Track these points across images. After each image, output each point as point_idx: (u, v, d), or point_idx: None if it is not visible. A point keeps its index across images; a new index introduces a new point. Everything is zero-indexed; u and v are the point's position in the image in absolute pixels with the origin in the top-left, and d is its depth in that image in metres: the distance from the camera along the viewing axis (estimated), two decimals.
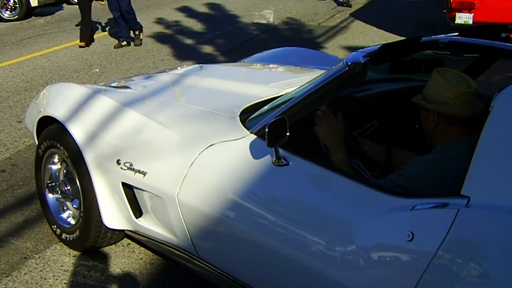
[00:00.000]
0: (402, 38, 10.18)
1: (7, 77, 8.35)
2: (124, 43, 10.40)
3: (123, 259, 3.97)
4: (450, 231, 2.25)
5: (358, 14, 13.60)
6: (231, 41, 10.91)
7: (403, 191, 2.64)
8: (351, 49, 9.37)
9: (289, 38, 11.00)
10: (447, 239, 2.25)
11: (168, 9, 14.53)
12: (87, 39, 10.29)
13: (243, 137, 3.14)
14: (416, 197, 2.52)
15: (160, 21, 12.88)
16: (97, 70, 8.84)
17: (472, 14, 9.25)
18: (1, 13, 12.85)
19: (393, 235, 2.45)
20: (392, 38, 10.36)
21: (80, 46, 10.17)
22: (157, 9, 14.59)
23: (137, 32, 10.54)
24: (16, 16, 12.94)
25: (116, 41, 10.35)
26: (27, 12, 13.21)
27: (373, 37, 10.97)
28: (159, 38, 11.09)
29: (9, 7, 12.99)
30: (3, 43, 10.62)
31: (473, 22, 9.23)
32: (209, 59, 9.49)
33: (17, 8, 12.97)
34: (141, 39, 10.60)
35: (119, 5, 10.05)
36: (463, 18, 9.31)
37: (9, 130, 6.27)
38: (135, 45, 10.42)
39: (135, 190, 3.51)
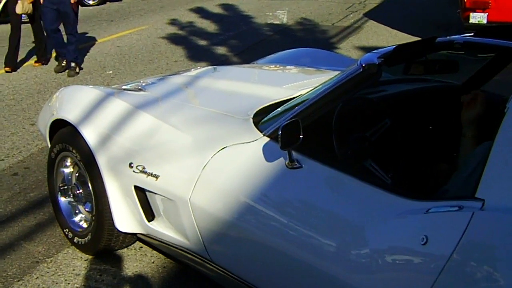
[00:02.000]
0: (416, 38, 10.16)
1: (21, 79, 8.36)
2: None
3: (135, 263, 3.94)
4: (465, 234, 2.21)
5: (371, 14, 13.54)
6: (245, 41, 10.88)
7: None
8: (365, 49, 9.33)
9: (303, 39, 10.96)
10: (462, 242, 2.21)
11: (182, 10, 14.52)
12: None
13: (256, 140, 3.10)
14: (430, 200, 2.47)
15: (173, 22, 12.87)
16: (110, 72, 8.83)
17: (487, 13, 9.20)
18: None
19: (407, 238, 2.41)
20: (406, 38, 10.29)
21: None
22: (170, 10, 14.58)
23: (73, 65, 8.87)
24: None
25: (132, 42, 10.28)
26: None
27: (387, 37, 10.91)
28: (173, 39, 11.07)
29: None
30: None
31: (487, 21, 9.17)
32: (223, 60, 9.46)
33: None
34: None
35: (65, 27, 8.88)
36: (477, 17, 9.25)
37: (22, 133, 6.27)
38: (68, 75, 8.71)
39: (147, 193, 3.49)
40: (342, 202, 2.73)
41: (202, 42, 10.88)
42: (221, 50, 10.29)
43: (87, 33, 11.50)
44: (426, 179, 3.29)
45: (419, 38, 9.49)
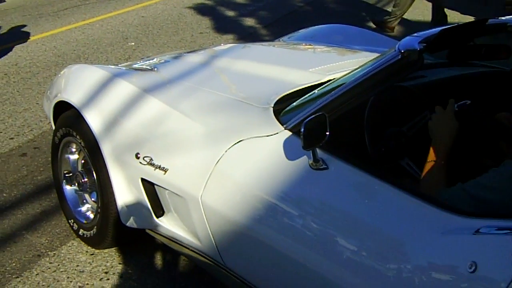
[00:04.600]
0: (452, 11, 9.73)
1: (39, 51, 8.02)
2: None
3: (145, 259, 3.61)
4: None
5: None
6: (274, 13, 10.44)
7: (472, 203, 2.22)
8: (399, 23, 8.88)
9: (335, 11, 10.51)
10: None
11: None
12: None
13: (276, 133, 2.73)
14: (479, 217, 2.08)
15: None
16: (132, 43, 8.46)
17: None
18: None
19: (453, 262, 2.05)
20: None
21: None
22: None
23: None
24: None
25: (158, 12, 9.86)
26: None
27: (422, 10, 10.39)
28: (199, 9, 10.66)
29: None
30: (39, 14, 10.29)
31: None
32: (251, 33, 9.07)
33: None
34: None
35: None
36: None
37: (35, 109, 5.93)
38: None
39: (156, 187, 3.14)
40: (376, 211, 2.35)
41: (230, 13, 10.47)
42: (249, 21, 9.88)
43: (111, 1, 11.14)
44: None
45: (456, 12, 8.98)
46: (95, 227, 3.56)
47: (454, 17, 9.39)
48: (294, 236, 2.52)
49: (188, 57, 4.07)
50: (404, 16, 9.06)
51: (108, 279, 3.46)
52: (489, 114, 2.76)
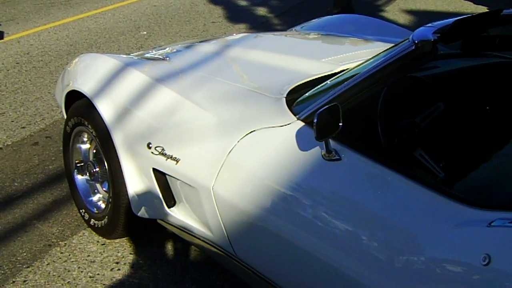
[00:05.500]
0: (466, 2, 9.65)
1: (51, 40, 8.02)
2: None
3: (156, 249, 3.60)
4: None
5: None
6: (286, 2, 10.37)
7: (481, 194, 2.19)
8: (412, 13, 8.84)
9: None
10: None
11: None
12: None
13: (289, 124, 2.70)
14: (493, 209, 2.06)
15: None
16: (145, 33, 8.45)
17: None
18: None
19: (466, 254, 2.02)
20: (456, 1, 9.73)
21: None
22: None
23: None
24: None
25: (170, 1, 9.81)
26: None
27: (435, 0, 10.34)
28: None
29: None
30: (51, 3, 10.28)
31: None
32: (262, 22, 9.03)
33: None
34: None
35: None
36: None
37: (47, 98, 5.93)
38: None
39: (167, 177, 3.12)
40: (389, 203, 2.32)
41: (242, 2, 10.42)
42: (261, 11, 9.83)
43: None
44: (485, 172, 2.87)
45: (469, 2, 8.90)
46: (106, 217, 3.55)
47: (468, 7, 9.32)
48: (306, 227, 2.50)
49: (200, 47, 4.05)
50: (417, 7, 9.00)
51: (119, 269, 3.45)
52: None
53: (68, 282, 3.35)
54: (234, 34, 4.61)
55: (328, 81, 2.85)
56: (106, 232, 3.62)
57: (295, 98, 2.87)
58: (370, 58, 2.73)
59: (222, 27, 8.78)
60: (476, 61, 3.47)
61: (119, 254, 3.57)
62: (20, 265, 3.49)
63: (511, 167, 2.45)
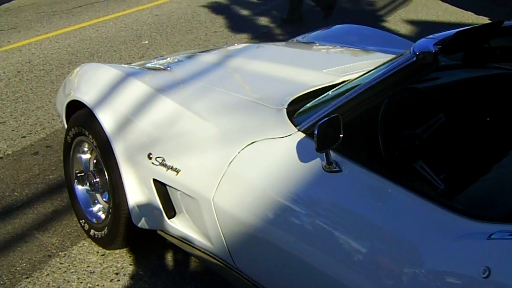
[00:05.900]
0: (468, 13, 9.67)
1: (53, 49, 8.03)
2: None
3: (156, 260, 3.59)
4: None
5: None
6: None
7: (482, 207, 2.19)
8: (414, 23, 8.85)
9: (349, 10, 10.45)
10: None
11: None
12: None
13: (289, 135, 2.70)
14: (493, 222, 2.05)
15: None
16: (146, 42, 8.45)
17: None
18: None
19: (466, 266, 2.01)
20: (457, 12, 9.76)
21: None
22: None
23: None
24: None
25: (171, 10, 9.81)
26: None
27: (437, 10, 10.34)
28: (213, 8, 10.63)
29: None
30: (53, 12, 10.30)
31: None
32: (264, 32, 9.04)
33: None
34: None
35: None
36: None
37: (47, 107, 5.92)
38: None
39: (168, 187, 3.11)
40: (389, 215, 2.32)
41: (244, 12, 10.43)
42: (263, 21, 9.84)
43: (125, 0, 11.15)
44: (485, 184, 2.86)
45: (470, 13, 8.90)
46: (106, 227, 3.54)
47: (469, 18, 9.33)
48: (306, 239, 2.49)
49: (201, 57, 4.05)
50: (419, 17, 9.02)
51: (118, 280, 3.44)
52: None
53: None
54: (236, 44, 4.61)
55: (329, 92, 2.85)
56: (106, 242, 3.61)
57: (296, 109, 2.87)
58: (371, 70, 2.72)
59: (224, 36, 8.78)
60: (478, 72, 3.47)
61: (119, 265, 3.56)
62: (20, 276, 3.48)
63: None
